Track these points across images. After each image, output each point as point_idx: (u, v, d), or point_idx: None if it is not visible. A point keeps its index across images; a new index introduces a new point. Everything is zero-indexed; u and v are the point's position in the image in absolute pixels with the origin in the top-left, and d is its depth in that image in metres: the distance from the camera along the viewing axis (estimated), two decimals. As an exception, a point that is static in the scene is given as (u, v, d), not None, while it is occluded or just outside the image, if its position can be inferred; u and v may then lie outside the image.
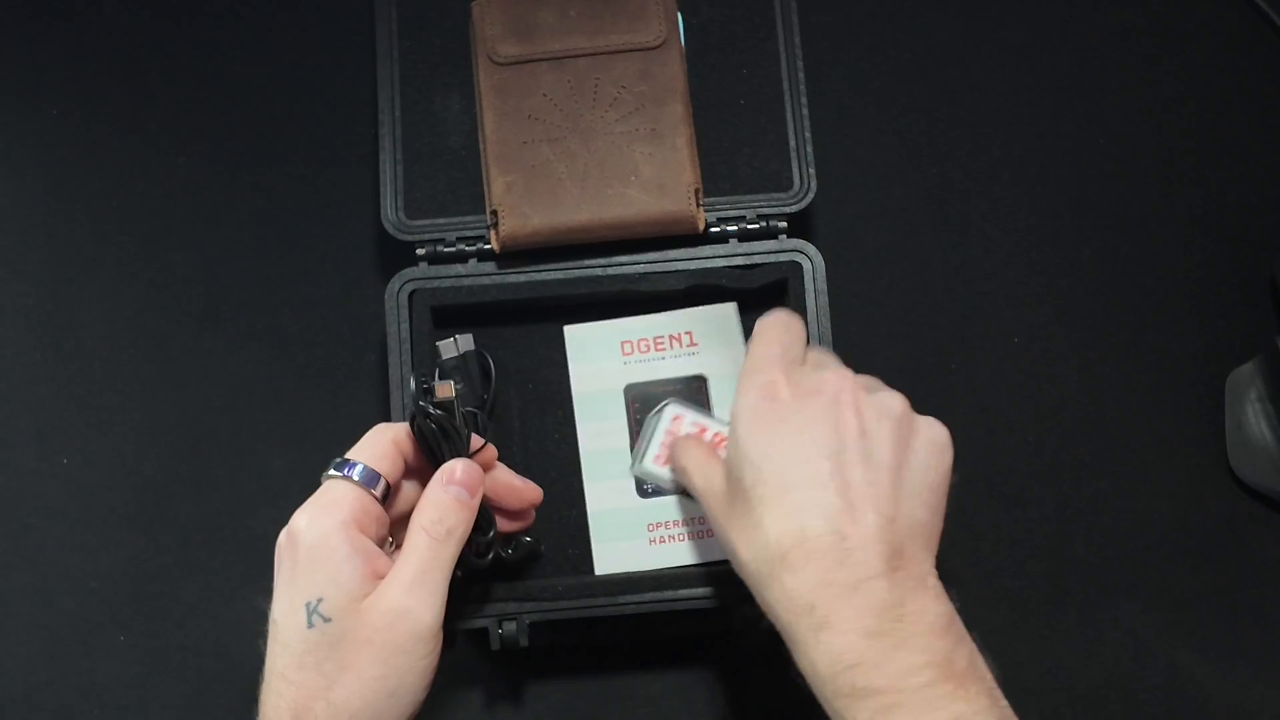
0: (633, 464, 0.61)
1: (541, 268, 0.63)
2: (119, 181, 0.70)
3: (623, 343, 0.61)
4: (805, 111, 0.66)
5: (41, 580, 0.65)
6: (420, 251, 0.63)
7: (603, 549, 0.61)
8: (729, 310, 0.62)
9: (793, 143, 0.65)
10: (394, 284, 0.62)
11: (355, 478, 0.51)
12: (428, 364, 0.62)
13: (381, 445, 0.53)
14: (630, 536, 0.61)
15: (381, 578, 0.50)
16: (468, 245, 0.63)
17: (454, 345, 0.62)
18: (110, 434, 0.66)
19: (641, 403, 0.62)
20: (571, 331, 0.62)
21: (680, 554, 0.61)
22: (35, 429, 0.66)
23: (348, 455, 0.53)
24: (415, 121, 0.65)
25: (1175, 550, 0.66)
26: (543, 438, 0.64)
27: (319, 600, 0.49)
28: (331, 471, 0.52)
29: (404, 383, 0.61)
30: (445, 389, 0.54)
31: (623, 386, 0.62)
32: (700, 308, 0.62)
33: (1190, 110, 0.72)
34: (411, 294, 0.62)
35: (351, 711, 0.48)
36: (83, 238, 0.69)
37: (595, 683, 0.64)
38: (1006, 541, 0.66)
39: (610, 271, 0.63)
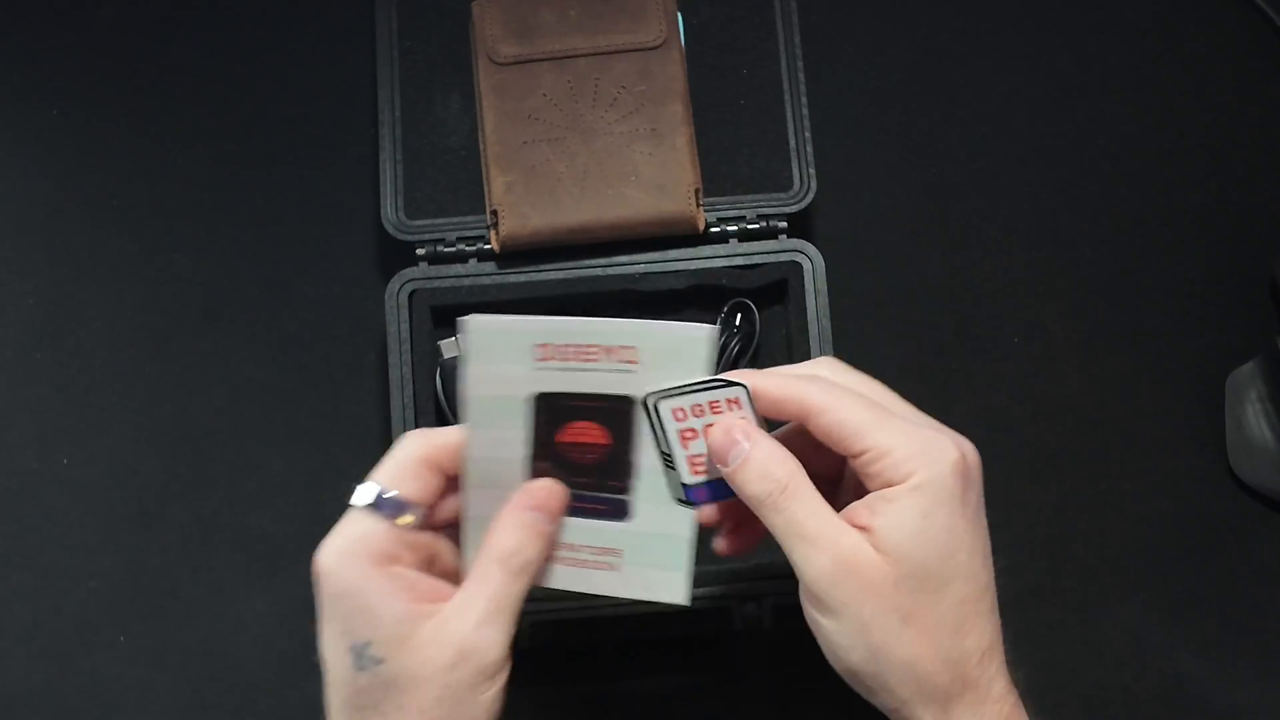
0: (672, 485, 0.49)
1: (541, 268, 0.63)
2: (119, 181, 0.70)
3: (538, 345, 0.48)
4: (805, 111, 0.66)
5: (41, 580, 0.65)
6: (420, 251, 0.63)
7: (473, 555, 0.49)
8: (701, 338, 0.47)
9: (793, 143, 0.65)
10: (394, 284, 0.62)
11: (380, 509, 0.46)
12: (428, 364, 0.62)
13: (409, 463, 0.47)
14: None
15: (434, 602, 0.45)
16: (468, 245, 0.63)
17: (455, 345, 0.62)
18: (110, 434, 0.66)
19: (550, 415, 0.49)
20: (474, 323, 0.47)
21: (569, 579, 0.50)
22: (35, 429, 0.66)
23: (372, 476, 0.46)
24: (415, 121, 0.66)
25: (1175, 550, 0.66)
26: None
27: (366, 643, 0.44)
28: (354, 500, 0.46)
29: (403, 383, 0.61)
30: None
31: (530, 395, 0.48)
32: (662, 323, 0.48)
33: (1190, 110, 0.72)
34: (411, 294, 0.62)
35: None
36: (83, 238, 0.69)
37: (595, 683, 0.64)
38: (1006, 541, 0.66)
39: (610, 271, 0.63)
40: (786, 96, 0.66)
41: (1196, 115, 0.72)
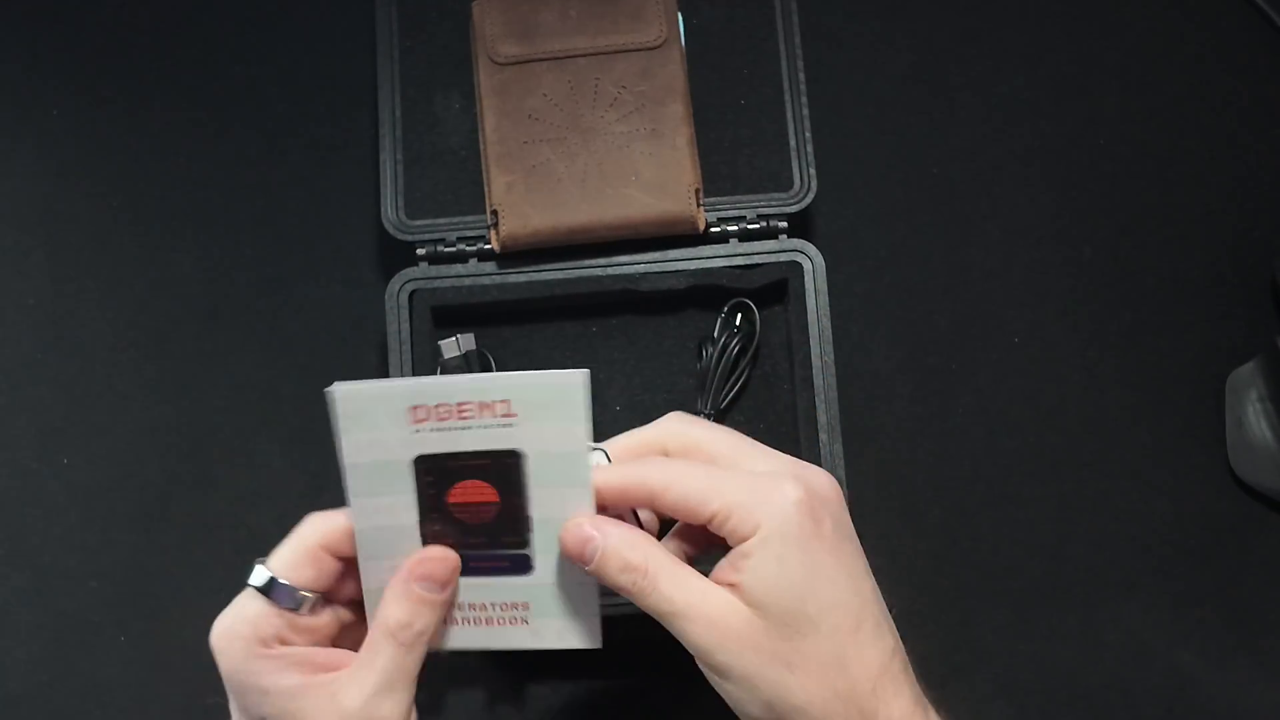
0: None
1: (541, 268, 0.63)
2: (119, 181, 0.70)
3: (413, 408, 0.47)
4: (805, 111, 0.66)
5: (41, 580, 0.65)
6: (420, 251, 0.63)
7: None
8: (576, 380, 0.47)
9: (793, 143, 0.65)
10: (394, 284, 0.62)
11: (272, 595, 0.46)
12: (428, 364, 0.62)
13: (305, 550, 0.47)
14: None
15: (330, 671, 0.46)
16: (468, 245, 0.63)
17: (456, 345, 0.62)
18: (110, 434, 0.66)
19: (435, 476, 0.48)
20: (341, 391, 0.47)
21: (479, 638, 0.50)
22: (35, 429, 0.66)
23: (272, 556, 0.47)
24: (415, 121, 0.65)
25: (1175, 550, 0.66)
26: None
27: (261, 717, 0.46)
28: (251, 579, 0.46)
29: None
30: None
31: (411, 459, 0.48)
32: (533, 373, 0.47)
33: (1190, 110, 0.72)
34: (412, 294, 0.62)
35: None
36: (83, 238, 0.69)
37: (595, 683, 0.64)
38: (1006, 541, 0.66)
39: (610, 271, 0.63)
40: (786, 96, 0.66)
41: (1196, 115, 0.72)
